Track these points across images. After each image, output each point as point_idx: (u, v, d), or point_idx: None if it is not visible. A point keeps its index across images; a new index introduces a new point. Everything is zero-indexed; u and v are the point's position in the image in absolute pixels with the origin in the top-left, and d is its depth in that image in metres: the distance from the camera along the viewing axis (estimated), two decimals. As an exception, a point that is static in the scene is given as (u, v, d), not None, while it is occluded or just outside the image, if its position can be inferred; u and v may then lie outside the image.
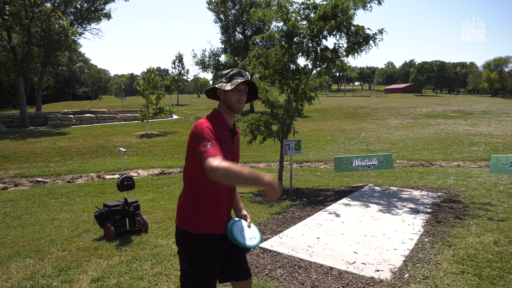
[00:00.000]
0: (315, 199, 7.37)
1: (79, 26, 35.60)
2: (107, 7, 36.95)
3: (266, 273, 3.85)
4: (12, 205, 8.19)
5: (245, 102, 2.29)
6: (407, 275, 3.71)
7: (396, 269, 3.84)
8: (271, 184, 1.83)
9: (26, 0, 25.86)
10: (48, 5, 29.90)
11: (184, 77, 51.31)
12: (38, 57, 28.69)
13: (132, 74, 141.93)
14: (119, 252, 4.59)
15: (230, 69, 2.27)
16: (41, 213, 7.31)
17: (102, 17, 36.32)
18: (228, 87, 2.17)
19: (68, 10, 34.33)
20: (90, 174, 12.11)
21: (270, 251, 4.44)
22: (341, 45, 7.96)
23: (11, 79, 31.82)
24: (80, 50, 63.35)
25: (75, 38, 30.62)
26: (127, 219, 5.34)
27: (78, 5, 34.70)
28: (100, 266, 4.15)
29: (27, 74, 28.00)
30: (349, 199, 7.12)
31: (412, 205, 6.48)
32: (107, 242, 4.99)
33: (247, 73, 2.28)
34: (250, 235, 2.30)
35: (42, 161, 14.74)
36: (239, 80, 2.18)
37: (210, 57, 39.99)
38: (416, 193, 7.58)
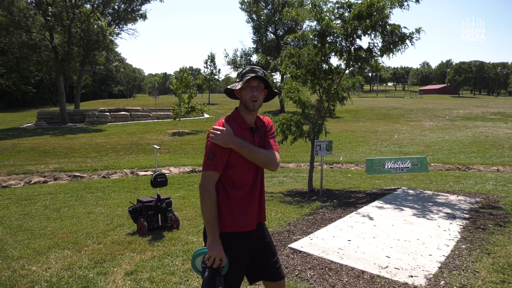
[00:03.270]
0: (346, 201, 7.25)
1: (116, 27, 36.71)
2: (143, 8, 38.02)
3: (296, 274, 3.82)
4: (51, 198, 8.58)
5: (263, 99, 2.21)
6: (442, 282, 3.58)
7: (431, 276, 3.72)
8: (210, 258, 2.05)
9: (67, 2, 26.97)
10: (88, 6, 31.10)
11: (216, 77, 51.93)
12: (77, 57, 29.85)
13: (165, 73, 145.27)
14: (151, 247, 4.69)
15: (243, 67, 2.21)
16: (78, 207, 7.61)
17: (138, 18, 37.23)
18: (239, 85, 2.13)
19: (106, 11, 35.48)
20: (124, 170, 12.47)
21: (300, 252, 4.41)
22: (375, 44, 7.76)
23: (52, 78, 33.27)
24: (116, 50, 65.35)
25: (112, 38, 31.59)
26: (159, 215, 5.46)
27: (115, 6, 35.80)
28: (134, 260, 4.26)
29: (67, 72, 29.20)
30: (381, 202, 6.96)
31: (448, 210, 6.25)
32: (140, 237, 5.12)
33: (262, 70, 2.19)
34: None
35: (79, 156, 15.34)
36: (249, 76, 2.12)
37: (241, 57, 40.33)
38: (453, 197, 7.31)
